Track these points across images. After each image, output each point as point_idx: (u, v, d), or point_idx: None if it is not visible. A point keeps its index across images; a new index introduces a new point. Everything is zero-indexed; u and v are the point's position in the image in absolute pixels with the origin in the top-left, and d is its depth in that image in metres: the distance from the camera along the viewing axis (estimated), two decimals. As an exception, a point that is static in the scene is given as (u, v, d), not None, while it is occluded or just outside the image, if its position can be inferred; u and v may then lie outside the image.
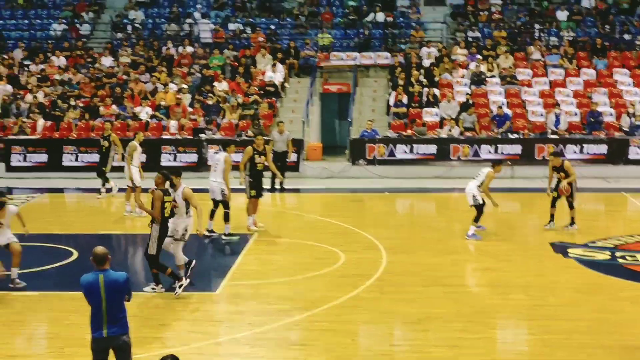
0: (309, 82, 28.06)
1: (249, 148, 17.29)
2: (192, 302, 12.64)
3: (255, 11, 32.88)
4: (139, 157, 19.46)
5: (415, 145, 24.74)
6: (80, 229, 18.06)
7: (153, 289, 12.95)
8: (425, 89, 26.73)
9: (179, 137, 25.25)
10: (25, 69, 29.67)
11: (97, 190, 21.24)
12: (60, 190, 23.06)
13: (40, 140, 25.43)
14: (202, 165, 24.00)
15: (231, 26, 31.51)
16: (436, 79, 27.57)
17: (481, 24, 31.34)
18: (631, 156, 24.58)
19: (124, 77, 28.35)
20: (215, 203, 16.77)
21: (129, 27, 32.36)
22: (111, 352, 8.40)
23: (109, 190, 21.04)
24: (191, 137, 25.09)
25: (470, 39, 30.18)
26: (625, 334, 11.07)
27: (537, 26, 31.20)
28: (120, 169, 20.23)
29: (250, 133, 24.16)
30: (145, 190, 15.50)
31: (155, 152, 24.57)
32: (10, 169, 25.12)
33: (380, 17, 31.29)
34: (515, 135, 24.92)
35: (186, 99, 26.75)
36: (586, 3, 31.91)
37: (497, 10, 31.87)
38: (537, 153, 24.29)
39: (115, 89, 27.38)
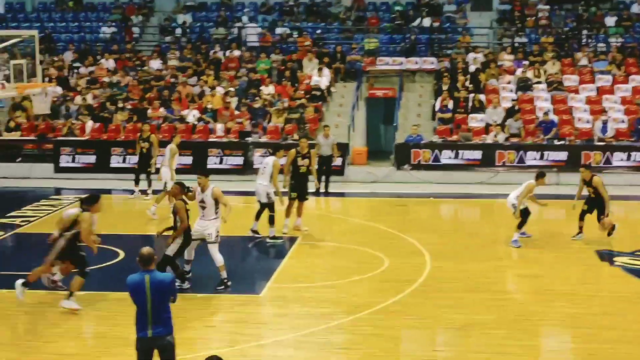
0: (354, 86, 28.11)
1: (292, 151, 17.44)
2: (236, 304, 12.77)
3: (302, 15, 33.03)
4: (176, 160, 19.93)
5: (460, 151, 24.63)
6: (127, 229, 18.28)
7: (180, 286, 13.01)
8: (471, 95, 26.61)
9: (225, 140, 25.46)
10: (75, 71, 30.15)
11: (144, 192, 21.49)
12: (108, 192, 23.28)
13: (89, 142, 25.76)
14: (248, 169, 24.18)
15: (278, 30, 31.68)
16: (482, 84, 27.44)
17: (528, 29, 31.09)
18: (680, 163, 24.10)
19: (172, 80, 28.64)
20: (262, 205, 16.89)
21: (178, 31, 32.74)
22: (156, 352, 8.52)
23: (143, 192, 21.35)
24: (237, 140, 25.28)
25: (516, 45, 29.98)
26: (671, 345, 10.94)
27: (584, 32, 30.84)
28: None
29: (295, 137, 24.27)
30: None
31: (202, 155, 24.77)
32: (59, 169, 25.46)
33: (427, 22, 31.22)
34: (562, 142, 24.65)
35: (233, 102, 26.96)
36: (636, 9, 31.45)
37: (544, 15, 31.58)
38: (583, 160, 23.91)
39: (163, 91, 27.66)
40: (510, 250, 16.13)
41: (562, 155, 24.28)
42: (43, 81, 24.65)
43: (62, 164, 25.55)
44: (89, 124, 26.29)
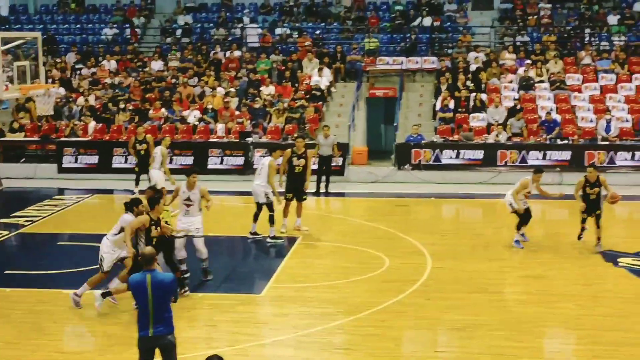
0: (355, 86, 28.06)
1: (288, 151, 17.47)
2: (237, 303, 12.73)
3: (302, 16, 33.01)
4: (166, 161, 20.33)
5: (461, 151, 24.54)
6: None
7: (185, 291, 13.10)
8: (473, 94, 26.55)
9: (226, 140, 25.45)
10: (78, 72, 30.24)
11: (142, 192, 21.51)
12: (110, 192, 23.42)
13: (91, 143, 25.84)
14: (248, 169, 24.15)
15: (278, 31, 31.67)
16: (483, 83, 27.37)
17: (530, 28, 31.01)
18: (684, 163, 23.95)
19: (173, 80, 28.67)
20: (259, 206, 16.85)
21: (178, 32, 32.76)
22: (158, 351, 8.54)
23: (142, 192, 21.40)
24: (238, 141, 25.27)
25: (518, 44, 29.90)
26: (675, 345, 10.87)
27: (587, 30, 30.74)
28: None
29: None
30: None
31: (203, 155, 24.84)
32: (62, 170, 25.56)
33: (427, 21, 31.17)
34: (565, 142, 24.53)
35: (233, 102, 26.96)
36: (638, 7, 31.34)
37: (546, 14, 31.50)
38: (586, 159, 23.81)
39: (164, 92, 27.69)
40: (512, 250, 16.02)
41: (565, 155, 24.14)
42: (46, 82, 24.77)
43: (65, 165, 25.63)
44: (92, 124, 26.36)
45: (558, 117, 25.45)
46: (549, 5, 31.74)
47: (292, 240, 16.89)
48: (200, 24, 33.55)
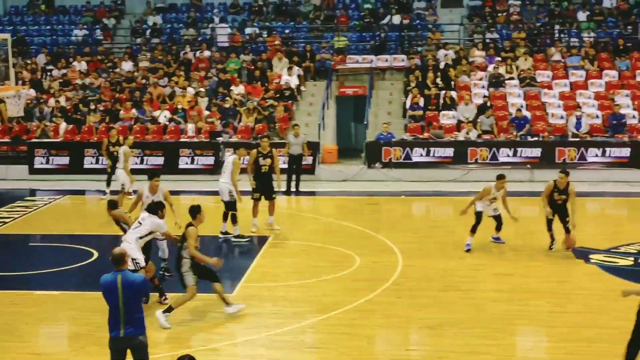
0: (324, 85, 28.03)
1: (254, 151, 17.51)
2: (209, 303, 12.65)
3: (272, 15, 32.97)
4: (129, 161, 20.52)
5: (432, 149, 24.59)
6: (100, 230, 18.12)
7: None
8: (442, 92, 26.62)
9: (196, 140, 25.35)
10: (48, 73, 30.08)
11: (117, 192, 21.37)
12: (82, 192, 23.32)
13: (62, 144, 25.75)
14: (219, 168, 23.89)
15: (248, 30, 31.61)
16: (453, 81, 27.45)
17: (499, 25, 31.19)
18: (655, 159, 23.98)
19: (143, 81, 28.55)
20: (226, 205, 16.83)
21: (148, 32, 32.58)
22: (129, 352, 8.51)
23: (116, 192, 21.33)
24: (208, 140, 25.19)
25: (488, 41, 30.04)
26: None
27: (557, 27, 30.96)
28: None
29: (265, 135, 24.26)
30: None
31: (174, 155, 24.84)
32: (33, 171, 25.47)
33: (397, 19, 31.24)
34: (535, 138, 24.64)
35: (203, 102, 26.88)
36: (607, 3, 31.60)
37: (516, 11, 31.70)
38: (557, 156, 23.99)
39: (134, 93, 27.59)
40: (484, 249, 15.95)
41: (536, 152, 24.28)
42: (16, 84, 24.73)
43: (37, 166, 25.54)
44: (63, 125, 26.25)
45: (528, 114, 25.58)
46: (519, 2, 31.97)
47: (263, 240, 16.88)
48: (170, 24, 33.43)
